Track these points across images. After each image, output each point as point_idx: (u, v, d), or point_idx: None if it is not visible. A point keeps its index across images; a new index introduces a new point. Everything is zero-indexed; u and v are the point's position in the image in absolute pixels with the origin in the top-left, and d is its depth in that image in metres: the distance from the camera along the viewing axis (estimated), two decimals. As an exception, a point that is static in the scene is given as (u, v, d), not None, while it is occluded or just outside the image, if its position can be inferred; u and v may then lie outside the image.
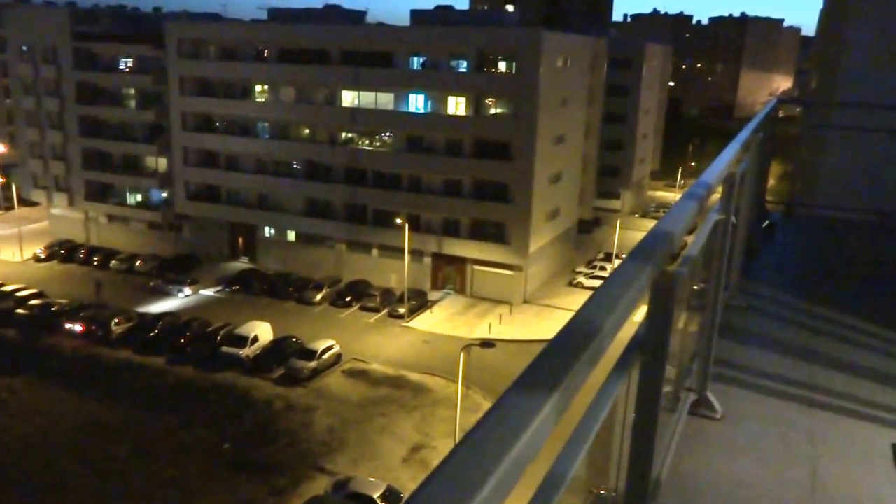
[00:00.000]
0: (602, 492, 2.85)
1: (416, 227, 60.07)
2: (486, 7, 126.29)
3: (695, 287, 4.03)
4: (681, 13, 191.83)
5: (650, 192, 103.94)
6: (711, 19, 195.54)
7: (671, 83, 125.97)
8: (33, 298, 58.07)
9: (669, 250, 2.53)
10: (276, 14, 70.07)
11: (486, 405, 42.29)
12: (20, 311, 55.81)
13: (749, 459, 4.34)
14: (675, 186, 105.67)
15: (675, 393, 4.34)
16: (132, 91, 71.95)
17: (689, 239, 3.56)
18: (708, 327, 4.79)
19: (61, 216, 76.90)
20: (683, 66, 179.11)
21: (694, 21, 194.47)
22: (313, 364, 47.59)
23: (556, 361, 1.65)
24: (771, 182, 11.66)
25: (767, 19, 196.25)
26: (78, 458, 39.88)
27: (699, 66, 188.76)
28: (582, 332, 1.79)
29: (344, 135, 64.36)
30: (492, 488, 1.25)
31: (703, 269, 4.23)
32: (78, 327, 53.10)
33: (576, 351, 1.69)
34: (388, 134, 63.09)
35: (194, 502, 36.44)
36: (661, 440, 3.62)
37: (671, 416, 4.28)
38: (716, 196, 4.18)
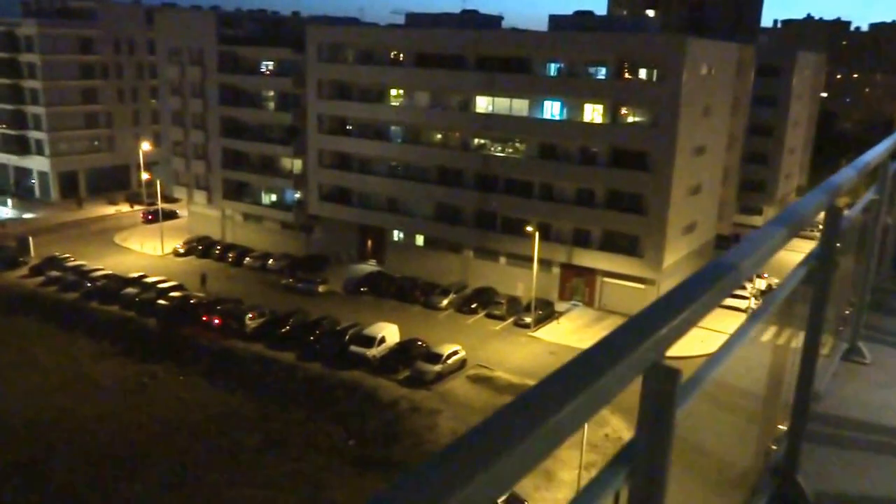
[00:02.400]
0: (765, 407, 3.66)
1: (545, 235, 60.71)
2: (624, 12, 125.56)
3: (849, 250, 4.95)
4: (837, 19, 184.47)
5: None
6: (872, 26, 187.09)
7: (823, 94, 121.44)
8: (173, 291, 62.47)
9: (837, 193, 3.68)
10: (413, 19, 72.48)
11: (614, 419, 42.64)
12: (161, 301, 60.19)
13: (893, 391, 5.30)
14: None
15: (833, 334, 5.29)
16: (271, 93, 76.15)
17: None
18: (861, 286, 5.75)
19: (199, 213, 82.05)
20: (838, 76, 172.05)
21: (852, 28, 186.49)
22: (438, 368, 49.24)
23: (759, 241, 2.54)
24: None
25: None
26: (210, 444, 42.96)
27: (855, 76, 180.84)
28: (791, 221, 2.83)
29: (476, 140, 65.95)
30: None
31: (858, 238, 5.14)
32: (215, 320, 56.78)
33: (777, 235, 2.66)
34: (521, 141, 64.20)
35: (320, 495, 38.57)
36: (821, 370, 4.62)
37: (827, 358, 5.21)
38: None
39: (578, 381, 1.49)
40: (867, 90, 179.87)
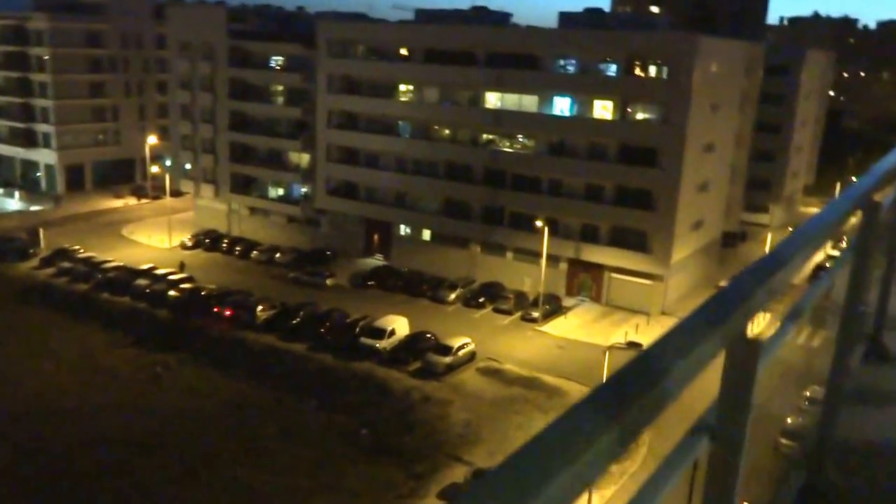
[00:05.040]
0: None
1: (553, 231, 61.82)
2: (628, 9, 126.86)
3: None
4: (845, 17, 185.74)
5: (802, 208, 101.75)
6: (879, 24, 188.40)
7: (831, 93, 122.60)
8: (184, 282, 63.79)
9: (876, 186, 3.90)
10: (422, 15, 73.80)
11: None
12: (172, 293, 61.50)
13: None
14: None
15: None
16: (280, 88, 77.54)
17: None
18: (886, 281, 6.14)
19: (206, 207, 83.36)
20: (845, 75, 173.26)
21: (860, 25, 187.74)
22: (449, 360, 50.56)
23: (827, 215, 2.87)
24: None
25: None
26: (225, 432, 44.26)
27: (862, 74, 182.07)
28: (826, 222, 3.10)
29: (485, 136, 67.22)
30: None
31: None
32: (226, 311, 58.08)
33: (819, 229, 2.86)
34: (530, 137, 65.44)
35: (336, 482, 39.86)
36: None
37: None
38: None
39: (667, 359, 1.55)
40: (875, 89, 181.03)
